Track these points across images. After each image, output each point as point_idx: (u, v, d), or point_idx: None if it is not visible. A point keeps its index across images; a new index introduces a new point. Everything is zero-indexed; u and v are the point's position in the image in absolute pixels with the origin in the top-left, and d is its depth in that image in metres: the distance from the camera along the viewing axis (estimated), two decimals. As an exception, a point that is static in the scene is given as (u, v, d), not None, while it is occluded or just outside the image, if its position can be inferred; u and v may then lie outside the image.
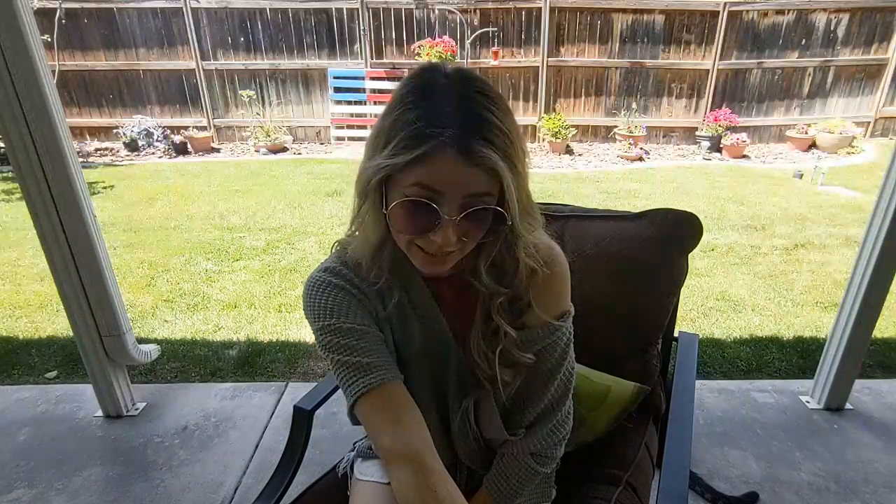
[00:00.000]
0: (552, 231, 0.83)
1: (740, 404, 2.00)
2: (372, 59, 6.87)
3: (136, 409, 2.00)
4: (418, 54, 6.64)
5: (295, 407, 1.13)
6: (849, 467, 1.69)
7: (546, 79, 6.92)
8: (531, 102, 7.08)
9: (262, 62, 6.86)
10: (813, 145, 6.81)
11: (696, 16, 6.66)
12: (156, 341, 2.46)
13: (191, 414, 1.99)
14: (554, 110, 7.06)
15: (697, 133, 6.96)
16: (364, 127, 6.95)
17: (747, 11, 6.64)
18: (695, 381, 1.16)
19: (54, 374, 2.28)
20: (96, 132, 7.05)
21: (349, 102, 6.99)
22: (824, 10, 6.64)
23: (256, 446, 1.82)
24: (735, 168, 6.09)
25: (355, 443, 1.03)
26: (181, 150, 6.62)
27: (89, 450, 1.81)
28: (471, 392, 0.87)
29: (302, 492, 1.03)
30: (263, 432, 1.89)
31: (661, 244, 1.17)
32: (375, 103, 6.87)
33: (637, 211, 1.23)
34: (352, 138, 7.05)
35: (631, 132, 6.72)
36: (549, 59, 6.84)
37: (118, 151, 6.68)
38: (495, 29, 6.75)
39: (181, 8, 6.49)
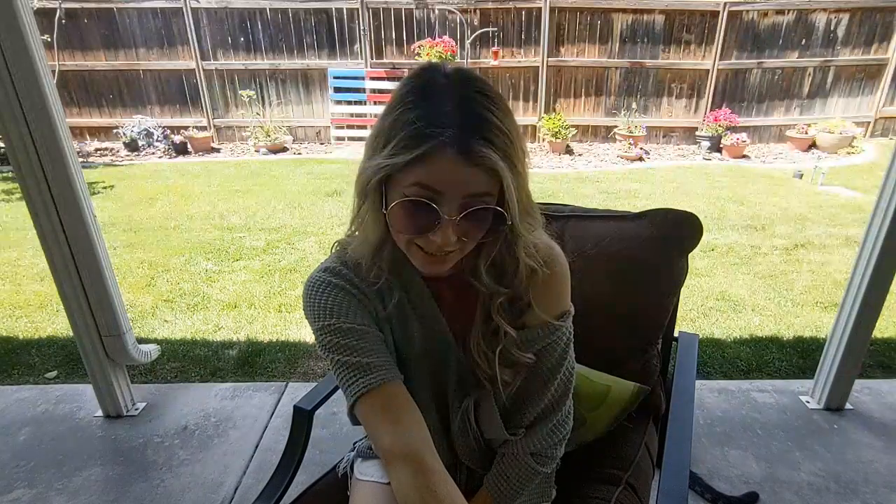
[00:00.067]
0: (552, 231, 0.83)
1: (740, 404, 2.00)
2: (372, 59, 6.87)
3: (136, 409, 2.00)
4: (418, 54, 6.64)
5: (295, 407, 1.13)
6: (849, 467, 1.69)
7: (546, 79, 6.92)
8: (531, 102, 7.08)
9: (262, 62, 6.86)
10: (813, 145, 6.81)
11: (696, 16, 6.66)
12: (156, 341, 2.46)
13: (191, 414, 1.99)
14: (554, 110, 7.06)
15: (697, 133, 6.96)
16: (364, 127, 6.95)
17: (747, 11, 6.64)
18: (695, 381, 1.16)
19: (54, 374, 2.28)
20: (96, 132, 7.05)
21: (349, 102, 6.99)
22: (824, 10, 6.64)
23: (256, 446, 1.82)
24: (735, 168, 6.09)
25: (355, 443, 1.03)
26: (181, 150, 6.62)
27: (89, 450, 1.81)
28: (471, 392, 0.87)
29: (302, 492, 1.03)
30: (263, 432, 1.89)
31: (661, 244, 1.17)
32: (375, 103, 6.87)
33: (637, 211, 1.23)
34: (352, 138, 7.05)
35: (631, 132, 6.72)
36: (549, 59, 6.84)
37: (118, 151, 6.68)
38: (495, 29, 6.75)
39: (181, 8, 6.49)
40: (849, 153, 6.53)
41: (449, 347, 0.84)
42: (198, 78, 6.84)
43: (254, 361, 2.35)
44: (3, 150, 5.05)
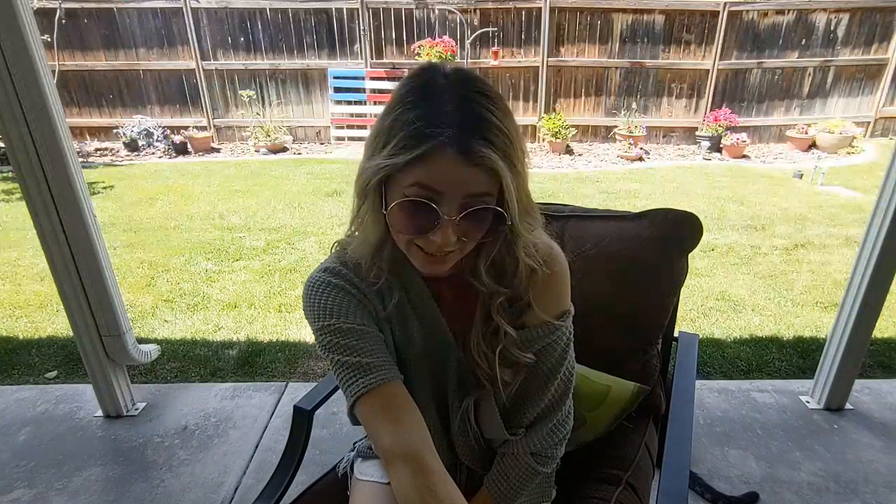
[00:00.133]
0: (552, 231, 0.83)
1: (740, 404, 2.00)
2: (372, 59, 6.88)
3: (136, 409, 2.00)
4: (418, 54, 6.64)
5: (295, 407, 1.13)
6: (849, 467, 1.69)
7: (546, 79, 6.92)
8: (531, 102, 7.08)
9: (262, 62, 6.86)
10: (813, 145, 6.81)
11: (696, 16, 6.66)
12: (156, 341, 2.46)
13: (191, 414, 1.99)
14: (554, 110, 7.06)
15: (697, 133, 6.96)
16: (364, 127, 6.95)
17: (747, 11, 6.64)
18: (695, 381, 1.16)
19: (54, 374, 2.28)
20: (96, 132, 7.05)
21: (349, 102, 6.99)
22: (824, 10, 6.64)
23: (256, 446, 1.82)
24: (735, 168, 6.09)
25: (355, 443, 1.03)
26: (181, 150, 6.62)
27: (89, 450, 1.81)
28: (471, 392, 0.87)
29: (302, 492, 1.03)
30: (263, 432, 1.89)
31: (661, 244, 1.17)
32: (375, 103, 6.88)
33: (637, 211, 1.23)
34: (352, 138, 7.05)
35: (631, 132, 6.72)
36: (549, 59, 6.84)
37: (118, 151, 6.68)
38: (495, 29, 6.75)
39: (181, 8, 6.49)
40: (849, 153, 6.53)
41: (449, 347, 0.84)
42: (198, 78, 6.84)
43: (254, 361, 2.35)
44: (3, 150, 5.06)
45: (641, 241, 1.18)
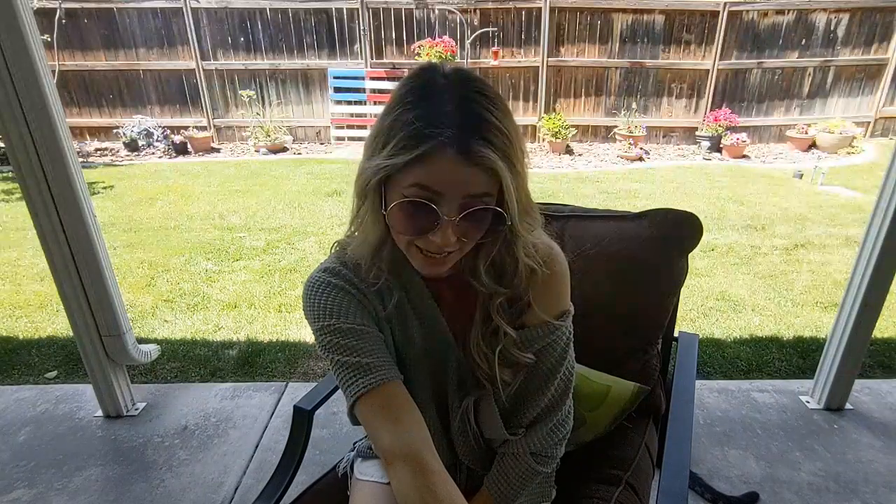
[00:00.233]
0: (552, 231, 0.83)
1: (740, 404, 2.00)
2: (372, 59, 6.88)
3: (136, 409, 2.00)
4: (418, 54, 6.65)
5: (295, 407, 1.13)
6: (849, 467, 1.69)
7: (546, 79, 6.91)
8: (531, 102, 7.08)
9: (262, 62, 6.86)
10: (813, 145, 6.81)
11: (696, 16, 6.66)
12: (156, 341, 2.46)
13: (191, 414, 1.99)
14: (554, 110, 7.06)
15: (697, 133, 6.96)
16: (364, 127, 6.95)
17: (747, 11, 6.64)
18: (695, 381, 1.16)
19: (54, 374, 2.28)
20: (96, 132, 7.05)
21: (349, 102, 6.99)
22: (824, 10, 6.64)
23: (256, 446, 1.82)
24: (735, 168, 6.09)
25: (355, 443, 1.03)
26: (181, 150, 6.62)
27: (89, 450, 1.81)
28: (471, 392, 0.87)
29: (302, 492, 1.03)
30: (263, 432, 1.89)
31: (661, 244, 1.17)
32: (375, 103, 6.88)
33: (637, 211, 1.23)
34: (352, 138, 7.05)
35: (631, 132, 6.72)
36: (549, 59, 6.84)
37: (118, 151, 6.68)
38: (495, 29, 6.75)
39: (181, 8, 6.49)
40: (849, 153, 6.53)
41: (449, 347, 0.84)
42: (198, 78, 6.84)
43: (254, 361, 2.35)
44: (3, 150, 5.06)
45: (641, 241, 1.18)
